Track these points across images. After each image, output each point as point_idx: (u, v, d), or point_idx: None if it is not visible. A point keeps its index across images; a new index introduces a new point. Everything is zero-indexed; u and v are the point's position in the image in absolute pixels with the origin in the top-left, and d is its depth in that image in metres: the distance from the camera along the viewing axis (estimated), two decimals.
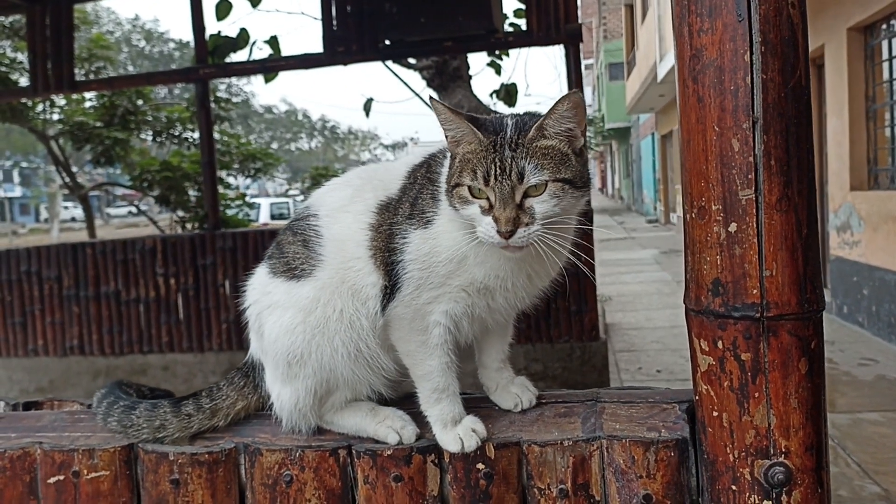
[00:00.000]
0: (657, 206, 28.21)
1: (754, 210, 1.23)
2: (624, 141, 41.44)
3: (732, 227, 1.25)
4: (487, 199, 1.39)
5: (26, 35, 7.49)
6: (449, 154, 1.52)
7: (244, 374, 1.72)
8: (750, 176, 1.23)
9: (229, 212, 11.79)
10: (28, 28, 7.22)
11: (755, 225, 1.24)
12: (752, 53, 1.22)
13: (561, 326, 6.49)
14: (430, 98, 1.43)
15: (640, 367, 7.50)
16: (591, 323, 6.59)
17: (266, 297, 1.62)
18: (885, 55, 7.96)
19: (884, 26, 7.92)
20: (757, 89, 1.22)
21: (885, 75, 8.03)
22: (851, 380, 6.47)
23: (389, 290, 1.52)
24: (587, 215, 1.57)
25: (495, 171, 1.38)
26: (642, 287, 12.55)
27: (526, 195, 1.39)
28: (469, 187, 1.40)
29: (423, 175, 1.56)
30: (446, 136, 1.46)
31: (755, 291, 1.24)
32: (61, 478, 1.58)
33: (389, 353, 1.59)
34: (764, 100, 1.22)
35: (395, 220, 1.53)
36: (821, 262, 1.31)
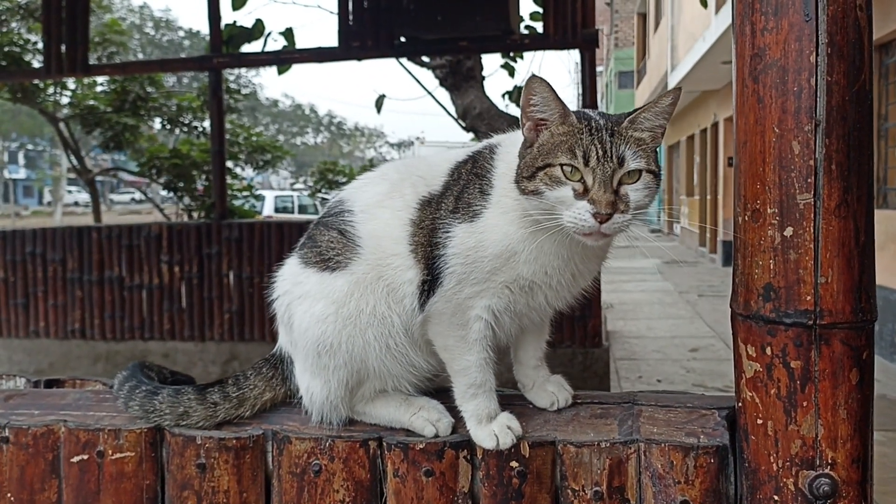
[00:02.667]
0: (661, 215, 28.20)
1: (812, 215, 1.21)
2: None
3: (788, 232, 1.23)
4: (582, 182, 1.37)
5: (41, 16, 7.47)
6: (501, 147, 1.53)
7: (272, 366, 1.69)
8: (809, 180, 1.21)
9: (236, 202, 11.78)
10: (44, 9, 7.19)
11: (812, 230, 1.21)
12: (817, 55, 1.19)
13: (564, 331, 6.48)
14: (533, 75, 1.39)
15: (641, 375, 7.49)
16: (594, 329, 6.58)
17: (297, 287, 1.59)
18: None
19: None
20: (821, 91, 1.19)
21: None
22: None
23: (429, 286, 1.50)
24: None
25: (596, 152, 1.36)
26: (644, 296, 12.55)
27: (620, 182, 1.38)
28: (563, 168, 1.37)
29: (468, 171, 1.54)
30: (529, 119, 1.43)
31: (809, 298, 1.22)
32: (85, 457, 1.55)
33: (420, 351, 1.57)
34: (828, 102, 1.19)
35: (438, 214, 1.50)
36: None
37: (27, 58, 10.80)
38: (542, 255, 1.44)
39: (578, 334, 6.53)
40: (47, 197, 49.94)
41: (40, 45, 8.45)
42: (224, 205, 7.51)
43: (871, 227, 1.24)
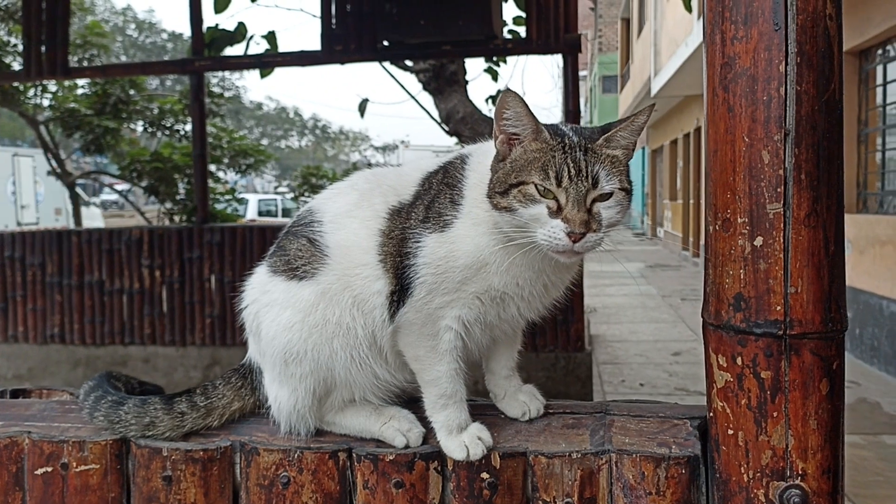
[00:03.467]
0: (644, 219, 28.31)
1: (782, 225, 1.20)
2: None
3: (758, 241, 1.22)
4: (556, 200, 1.36)
5: (21, 18, 7.40)
6: (473, 157, 1.52)
7: (241, 376, 1.67)
8: (779, 189, 1.20)
9: (218, 206, 11.71)
10: (24, 11, 7.14)
11: (782, 240, 1.21)
12: (787, 64, 1.19)
13: (546, 336, 6.48)
14: (507, 89, 1.38)
15: (624, 379, 7.49)
16: (576, 333, 6.58)
17: (265, 295, 1.57)
18: (879, 80, 8.01)
19: (879, 51, 7.97)
20: (790, 101, 1.19)
21: (878, 100, 8.08)
22: None
23: (398, 296, 1.48)
24: None
25: (569, 172, 1.36)
26: (627, 300, 12.57)
27: (594, 200, 1.37)
28: (537, 186, 1.36)
29: (439, 181, 1.52)
30: (502, 132, 1.42)
31: (779, 308, 1.21)
32: (49, 469, 1.52)
33: (384, 363, 1.55)
34: (797, 112, 1.19)
35: (408, 224, 1.49)
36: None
37: (7, 60, 10.71)
38: (513, 267, 1.43)
39: (561, 338, 6.53)
40: None
41: (20, 48, 8.37)
42: (206, 209, 7.46)
43: (841, 236, 1.24)
